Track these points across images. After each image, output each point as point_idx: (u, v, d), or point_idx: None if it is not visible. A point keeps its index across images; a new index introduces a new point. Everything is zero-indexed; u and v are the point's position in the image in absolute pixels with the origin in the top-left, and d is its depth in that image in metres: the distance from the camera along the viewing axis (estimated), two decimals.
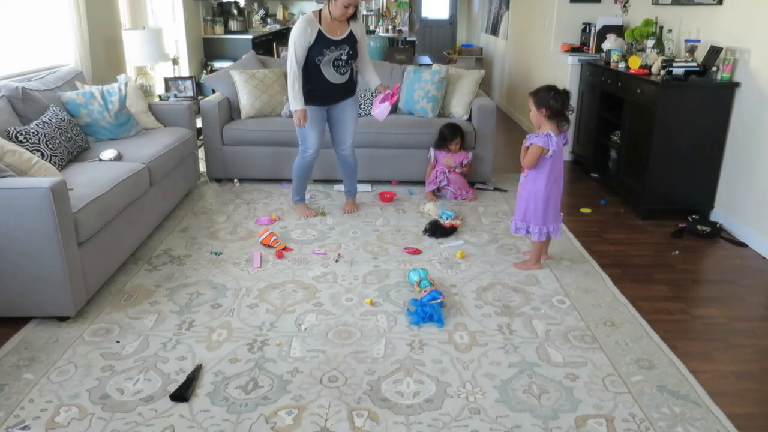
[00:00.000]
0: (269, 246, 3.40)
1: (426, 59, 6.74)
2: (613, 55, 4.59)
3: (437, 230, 3.61)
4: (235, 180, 4.61)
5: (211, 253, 3.34)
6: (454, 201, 4.23)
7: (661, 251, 3.49)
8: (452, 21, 11.83)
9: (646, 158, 3.88)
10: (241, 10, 7.68)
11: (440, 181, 4.25)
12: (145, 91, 4.90)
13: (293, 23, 8.77)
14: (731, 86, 3.69)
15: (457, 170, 4.28)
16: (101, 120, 3.69)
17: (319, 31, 3.42)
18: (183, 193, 4.14)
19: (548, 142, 2.91)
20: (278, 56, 6.18)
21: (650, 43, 4.32)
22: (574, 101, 5.35)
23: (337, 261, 3.23)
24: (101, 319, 2.65)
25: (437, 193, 4.34)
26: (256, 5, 8.70)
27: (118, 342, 2.46)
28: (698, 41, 3.91)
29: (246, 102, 4.59)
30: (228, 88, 4.66)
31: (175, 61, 5.56)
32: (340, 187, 4.40)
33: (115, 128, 3.76)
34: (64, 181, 2.52)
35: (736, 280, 3.16)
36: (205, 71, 6.40)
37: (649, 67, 4.13)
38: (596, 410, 2.09)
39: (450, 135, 4.25)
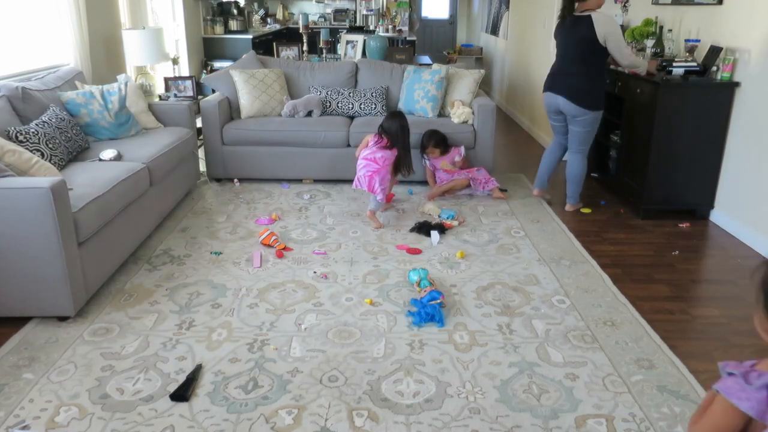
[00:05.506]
0: (269, 246, 3.39)
1: (426, 59, 6.72)
2: None
3: (423, 226, 3.62)
4: (235, 180, 4.61)
5: (211, 252, 3.34)
6: (454, 201, 4.22)
7: (661, 251, 3.49)
8: (452, 21, 11.83)
9: (646, 158, 3.88)
10: (241, 10, 7.68)
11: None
12: (145, 91, 4.89)
13: (293, 23, 8.81)
14: (731, 86, 3.69)
15: (455, 168, 4.28)
16: (101, 120, 3.69)
17: None
18: (183, 193, 4.13)
19: None
20: (278, 56, 6.18)
21: (650, 42, 4.32)
22: None
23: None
24: (101, 319, 2.65)
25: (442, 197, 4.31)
26: (256, 5, 8.70)
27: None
28: (698, 41, 3.90)
29: (246, 102, 4.59)
30: (228, 87, 4.66)
31: (175, 61, 5.56)
32: (342, 187, 4.40)
33: (115, 128, 3.76)
34: (64, 181, 2.52)
35: (736, 280, 3.16)
36: (205, 71, 6.40)
37: None
38: (596, 410, 2.09)
39: (426, 141, 4.28)
